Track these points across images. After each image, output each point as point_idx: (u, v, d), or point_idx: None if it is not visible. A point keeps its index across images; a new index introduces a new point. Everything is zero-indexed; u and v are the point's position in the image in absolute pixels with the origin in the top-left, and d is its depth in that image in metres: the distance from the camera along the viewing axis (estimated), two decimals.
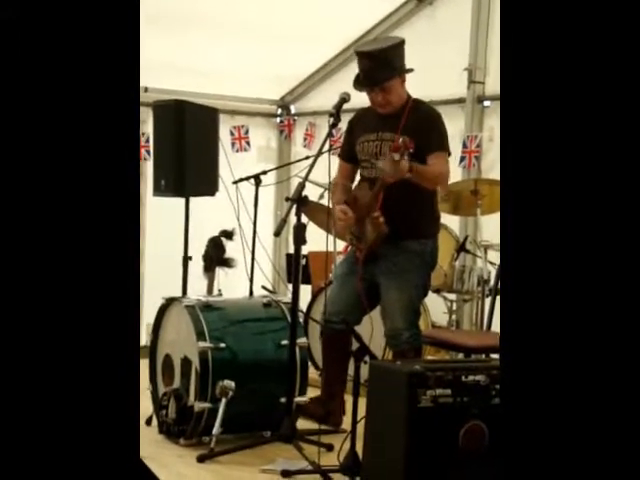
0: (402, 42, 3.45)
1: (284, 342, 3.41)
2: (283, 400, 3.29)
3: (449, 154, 3.48)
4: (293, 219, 3.28)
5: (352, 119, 3.61)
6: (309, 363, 3.79)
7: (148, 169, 4.88)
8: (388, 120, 3.44)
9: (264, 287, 4.27)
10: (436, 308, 4.68)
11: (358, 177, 3.63)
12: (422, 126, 3.36)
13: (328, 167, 3.46)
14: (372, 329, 3.42)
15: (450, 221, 4.76)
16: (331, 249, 3.51)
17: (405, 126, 3.36)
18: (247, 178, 4.12)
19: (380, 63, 3.35)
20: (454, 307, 4.75)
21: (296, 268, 3.28)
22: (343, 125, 3.60)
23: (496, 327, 3.91)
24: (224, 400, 3.27)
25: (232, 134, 5.80)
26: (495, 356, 3.53)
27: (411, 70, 3.45)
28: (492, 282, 4.28)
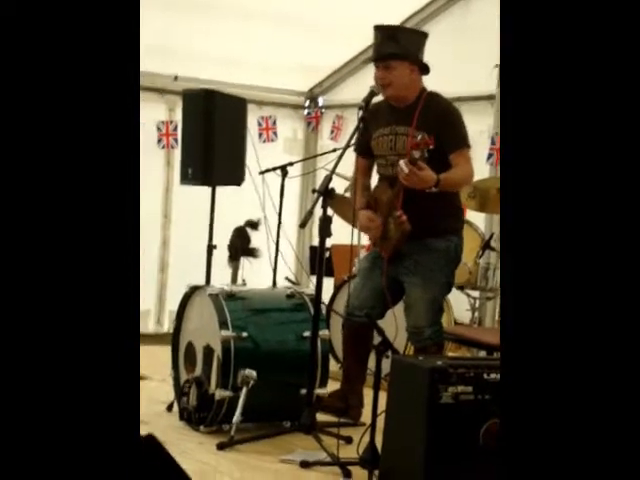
0: (422, 33, 3.48)
1: (306, 334, 3.41)
2: (303, 391, 3.30)
3: (470, 147, 3.44)
4: (319, 211, 3.28)
5: (366, 114, 3.50)
6: (330, 355, 3.80)
7: (176, 157, 4.91)
8: (402, 113, 3.40)
9: (287, 278, 4.27)
10: (459, 305, 4.67)
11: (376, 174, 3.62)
12: (440, 121, 3.30)
13: (355, 160, 3.45)
14: (397, 326, 3.40)
15: (476, 218, 4.74)
16: (355, 242, 3.51)
17: (419, 119, 3.32)
18: (274, 169, 4.12)
19: (387, 39, 3.35)
20: (477, 304, 4.73)
21: (320, 260, 3.28)
22: None
23: None
24: (245, 389, 3.28)
25: (260, 124, 5.81)
26: (499, 354, 3.51)
27: (426, 67, 3.40)
28: None
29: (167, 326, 5.55)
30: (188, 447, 3.21)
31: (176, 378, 3.65)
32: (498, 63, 5.05)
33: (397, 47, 3.34)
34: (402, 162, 3.16)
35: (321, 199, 3.20)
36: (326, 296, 4.51)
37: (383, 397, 2.86)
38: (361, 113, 3.32)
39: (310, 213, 3.23)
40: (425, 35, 3.49)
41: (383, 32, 3.38)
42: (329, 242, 3.49)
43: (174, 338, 3.69)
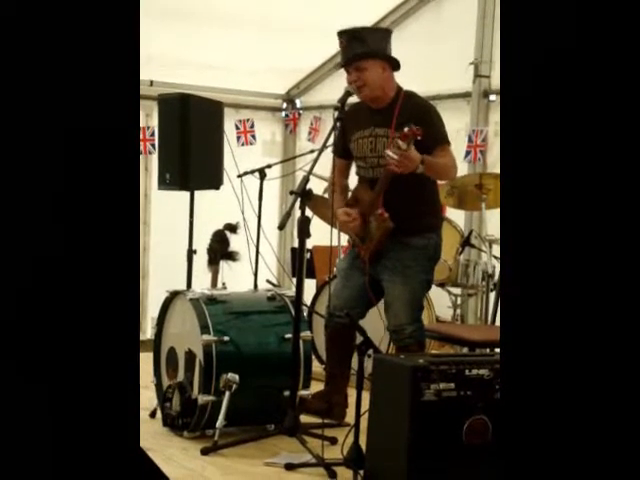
0: (385, 30, 3.51)
1: (288, 335, 3.41)
2: (287, 393, 3.30)
3: (450, 144, 3.44)
4: (298, 213, 3.27)
5: (342, 115, 3.43)
6: (313, 357, 3.79)
7: (154, 163, 4.89)
8: (381, 114, 3.39)
9: (269, 281, 4.26)
10: (441, 302, 4.68)
11: (354, 175, 3.61)
12: (419, 120, 3.28)
13: (332, 161, 3.45)
14: (383, 324, 3.41)
15: (455, 215, 4.76)
16: (335, 243, 3.51)
17: (399, 119, 3.31)
18: (252, 172, 4.12)
19: (354, 41, 3.32)
20: (459, 301, 4.75)
21: (300, 261, 3.27)
22: None
23: None
24: (228, 393, 3.27)
25: (237, 128, 5.80)
26: (499, 350, 3.52)
27: (397, 62, 3.39)
28: (497, 276, 4.27)
29: (149, 333, 5.52)
30: (172, 453, 3.20)
31: (158, 384, 3.63)
32: (473, 61, 5.09)
33: (365, 46, 3.32)
34: (389, 151, 3.13)
35: (299, 200, 3.20)
36: (308, 297, 4.51)
37: (367, 397, 2.86)
38: (337, 114, 3.31)
39: (288, 214, 3.22)
40: (389, 32, 3.49)
41: (347, 35, 3.36)
42: (310, 243, 3.49)
43: (155, 344, 3.67)
